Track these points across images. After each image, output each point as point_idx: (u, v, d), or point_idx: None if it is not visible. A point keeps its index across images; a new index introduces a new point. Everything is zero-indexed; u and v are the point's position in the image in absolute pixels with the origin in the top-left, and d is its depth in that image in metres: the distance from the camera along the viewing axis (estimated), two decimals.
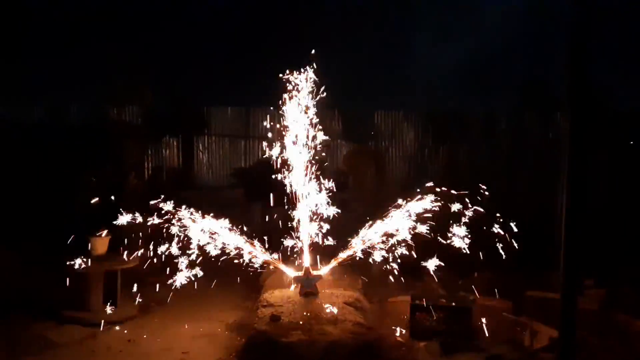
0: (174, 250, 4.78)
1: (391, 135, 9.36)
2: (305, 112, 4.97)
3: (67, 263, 5.15)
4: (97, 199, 5.44)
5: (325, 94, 4.99)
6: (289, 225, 5.04)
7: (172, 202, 4.86)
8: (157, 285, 5.53)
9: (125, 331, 4.96)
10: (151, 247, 4.90)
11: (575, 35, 3.35)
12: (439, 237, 4.75)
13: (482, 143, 8.98)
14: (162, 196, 4.85)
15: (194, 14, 10.88)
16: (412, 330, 4.77)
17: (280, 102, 4.98)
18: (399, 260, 4.85)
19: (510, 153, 8.77)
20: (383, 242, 4.85)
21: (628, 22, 9.34)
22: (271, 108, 4.98)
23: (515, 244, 4.89)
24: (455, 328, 4.69)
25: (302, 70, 4.95)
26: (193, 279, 4.83)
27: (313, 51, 4.89)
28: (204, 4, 11.06)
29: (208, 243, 4.81)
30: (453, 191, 4.79)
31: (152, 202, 4.80)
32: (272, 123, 5.08)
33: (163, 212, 4.81)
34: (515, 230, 4.90)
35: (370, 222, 4.91)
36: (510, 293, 5.61)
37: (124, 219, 4.90)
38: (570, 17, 3.31)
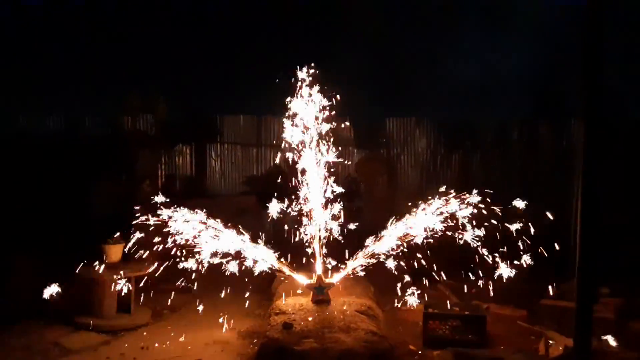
0: (188, 259, 4.82)
1: (403, 142, 9.34)
2: (317, 120, 4.99)
3: (82, 270, 5.22)
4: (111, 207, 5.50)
5: (336, 101, 5.02)
6: (301, 232, 5.04)
7: (184, 209, 4.90)
8: (171, 293, 5.58)
9: (139, 338, 4.99)
10: (165, 254, 4.94)
11: (589, 44, 3.33)
12: (457, 240, 4.73)
13: (495, 151, 8.93)
14: (174, 204, 4.90)
15: (207, 24, 10.99)
16: (425, 338, 4.74)
17: (292, 109, 5.01)
18: (412, 267, 4.84)
19: (523, 162, 8.70)
20: (395, 249, 4.83)
21: None
22: (285, 115, 4.98)
23: (527, 256, 4.85)
24: (468, 337, 4.65)
25: (314, 78, 4.98)
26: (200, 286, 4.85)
27: (325, 65, 4.92)
28: (217, 14, 11.16)
29: (221, 250, 4.83)
30: (467, 195, 4.76)
31: (165, 210, 4.85)
32: (284, 131, 5.10)
33: (175, 220, 4.85)
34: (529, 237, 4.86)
35: (383, 230, 4.90)
36: (525, 301, 5.56)
37: (137, 226, 4.95)
38: (584, 25, 3.30)
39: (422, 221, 4.76)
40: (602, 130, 3.40)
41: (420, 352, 4.60)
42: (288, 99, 4.99)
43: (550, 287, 5.51)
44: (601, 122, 3.48)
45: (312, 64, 5.00)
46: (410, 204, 4.91)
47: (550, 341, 4.56)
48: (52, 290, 5.16)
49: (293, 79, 5.00)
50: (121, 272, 5.27)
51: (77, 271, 5.23)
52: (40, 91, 9.57)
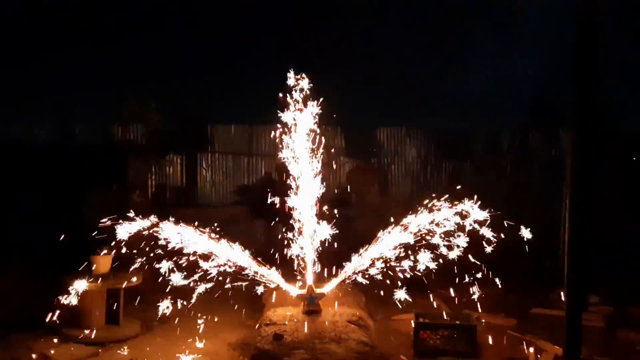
0: (177, 271, 4.78)
1: (394, 152, 9.38)
2: (308, 130, 5.00)
3: (70, 281, 5.16)
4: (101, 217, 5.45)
5: (328, 111, 5.03)
6: (292, 242, 5.03)
7: (174, 220, 4.87)
8: (160, 304, 5.52)
9: (128, 350, 4.93)
10: (154, 265, 4.89)
11: (582, 54, 3.38)
12: (445, 252, 4.73)
13: (486, 161, 8.99)
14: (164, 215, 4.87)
15: (199, 33, 11.02)
16: (416, 348, 4.73)
17: (283, 119, 5.02)
18: (402, 277, 4.83)
19: (514, 170, 8.77)
20: (385, 259, 4.83)
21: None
22: (275, 124, 4.99)
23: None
24: (459, 346, 4.65)
25: (305, 87, 4.99)
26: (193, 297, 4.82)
27: (316, 75, 4.94)
28: (208, 23, 11.20)
29: (212, 260, 4.80)
30: (457, 204, 4.77)
31: (155, 220, 4.81)
32: (275, 140, 5.10)
33: (166, 230, 4.82)
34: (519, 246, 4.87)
35: (374, 239, 4.90)
36: (515, 310, 5.58)
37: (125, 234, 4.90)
38: (576, 36, 3.35)
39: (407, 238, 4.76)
40: (592, 139, 3.44)
41: None
42: (279, 109, 5.00)
43: (541, 296, 5.54)
44: (592, 131, 3.52)
45: (304, 74, 5.01)
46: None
47: (541, 349, 4.58)
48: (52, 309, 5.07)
49: (284, 89, 5.01)
50: (110, 282, 5.22)
51: (65, 282, 5.17)
52: (30, 100, 9.52)
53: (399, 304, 4.95)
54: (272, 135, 5.11)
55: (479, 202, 4.72)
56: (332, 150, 8.39)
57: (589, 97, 3.40)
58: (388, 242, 4.84)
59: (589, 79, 3.38)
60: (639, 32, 8.72)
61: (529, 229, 4.73)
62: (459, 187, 4.82)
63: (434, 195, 4.84)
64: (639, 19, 8.33)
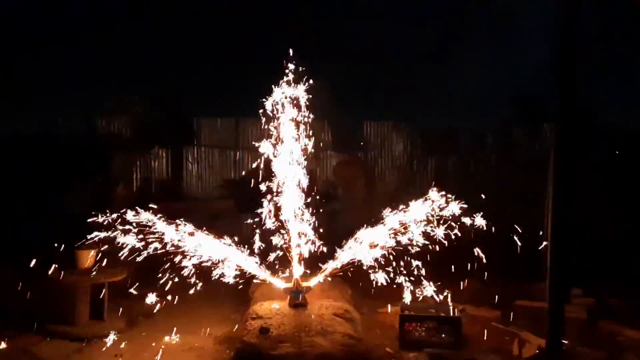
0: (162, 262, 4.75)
1: (380, 146, 9.40)
2: (295, 123, 4.99)
3: (53, 276, 5.10)
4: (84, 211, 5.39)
5: (314, 104, 5.02)
6: (278, 236, 5.03)
7: (160, 213, 4.84)
8: (145, 298, 5.49)
9: (112, 345, 4.89)
10: (139, 258, 4.86)
11: (564, 51, 3.41)
12: (429, 245, 4.77)
13: (471, 155, 9.06)
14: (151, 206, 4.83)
15: (183, 24, 10.90)
16: (401, 341, 4.77)
17: (269, 112, 5.00)
18: (389, 269, 4.86)
19: (498, 165, 8.85)
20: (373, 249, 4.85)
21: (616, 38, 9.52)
22: (261, 118, 4.96)
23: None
24: (444, 339, 4.70)
25: (292, 81, 4.97)
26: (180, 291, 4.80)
27: (302, 68, 4.92)
28: (193, 14, 11.08)
29: (195, 256, 4.78)
30: (442, 196, 4.80)
31: (140, 213, 4.77)
32: (261, 133, 5.08)
33: (152, 223, 4.78)
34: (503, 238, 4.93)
35: (359, 231, 4.92)
36: (499, 303, 5.64)
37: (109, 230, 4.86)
38: (558, 33, 3.38)
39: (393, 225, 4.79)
40: (574, 134, 3.48)
41: (396, 355, 4.63)
42: (265, 103, 4.97)
43: (525, 289, 5.60)
44: (574, 127, 3.56)
45: (290, 67, 4.99)
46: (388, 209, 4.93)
47: (525, 341, 4.64)
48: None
49: (271, 82, 4.99)
50: (94, 277, 5.17)
51: (48, 276, 5.11)
52: (12, 92, 9.35)
53: (384, 297, 4.99)
54: (258, 129, 5.08)
55: (462, 198, 4.76)
56: (320, 143, 8.38)
57: (571, 91, 3.44)
58: (373, 236, 4.86)
59: (571, 73, 3.42)
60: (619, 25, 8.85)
61: (513, 222, 4.78)
62: (435, 187, 4.85)
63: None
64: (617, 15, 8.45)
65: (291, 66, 4.95)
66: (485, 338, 4.92)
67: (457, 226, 4.71)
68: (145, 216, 4.75)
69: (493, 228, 4.81)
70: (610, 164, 7.78)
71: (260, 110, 4.94)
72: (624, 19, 8.61)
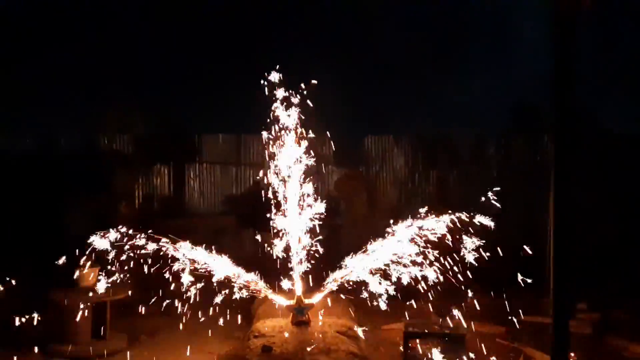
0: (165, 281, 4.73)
1: (382, 160, 9.41)
2: (297, 137, 4.99)
3: (55, 295, 5.08)
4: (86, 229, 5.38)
5: (316, 119, 5.03)
6: (280, 253, 5.00)
7: (161, 233, 4.82)
8: (147, 317, 5.46)
9: None
10: (141, 278, 4.83)
11: (561, 59, 3.42)
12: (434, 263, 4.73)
13: (471, 167, 9.06)
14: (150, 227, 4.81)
15: (185, 42, 11.00)
16: (405, 358, 4.72)
17: (270, 128, 5.01)
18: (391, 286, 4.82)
19: (499, 176, 8.84)
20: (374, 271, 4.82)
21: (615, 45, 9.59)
22: (263, 134, 4.96)
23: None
24: (449, 355, 4.65)
25: (294, 96, 4.99)
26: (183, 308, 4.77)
27: (303, 84, 4.94)
28: (195, 32, 11.18)
29: (197, 271, 4.76)
30: (446, 215, 4.77)
31: (142, 233, 4.76)
32: (263, 149, 5.08)
33: (154, 243, 4.77)
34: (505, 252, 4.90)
35: (363, 248, 4.89)
36: (504, 318, 5.60)
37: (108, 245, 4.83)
38: (556, 41, 3.39)
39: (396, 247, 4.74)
40: (573, 143, 3.46)
41: None
42: (267, 118, 4.99)
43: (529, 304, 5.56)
44: (572, 135, 3.55)
45: (291, 83, 5.01)
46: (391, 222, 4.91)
47: (530, 357, 4.59)
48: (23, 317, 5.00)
49: (272, 97, 5.00)
50: (96, 295, 5.15)
51: (49, 296, 5.09)
52: (13, 110, 9.40)
53: (388, 314, 4.94)
54: (260, 145, 5.08)
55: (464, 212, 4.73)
56: (321, 158, 8.39)
57: (568, 98, 3.43)
58: (376, 253, 4.83)
59: (568, 79, 3.41)
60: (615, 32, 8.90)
61: (517, 235, 4.75)
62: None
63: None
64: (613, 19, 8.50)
65: (286, 80, 4.96)
66: (490, 354, 4.87)
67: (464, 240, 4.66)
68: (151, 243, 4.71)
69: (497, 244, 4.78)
70: (611, 172, 7.77)
71: (263, 133, 4.95)
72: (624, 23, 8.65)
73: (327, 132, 8.99)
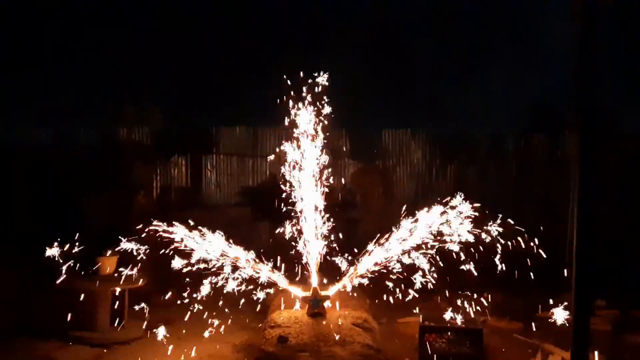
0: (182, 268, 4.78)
1: (398, 154, 9.36)
2: (314, 131, 4.99)
3: (75, 282, 5.16)
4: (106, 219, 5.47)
5: (333, 112, 5.02)
6: (296, 244, 5.02)
7: (179, 222, 4.87)
8: (164, 306, 5.53)
9: (132, 352, 4.93)
10: (159, 266, 4.89)
11: (583, 58, 3.36)
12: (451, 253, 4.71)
13: (490, 163, 8.97)
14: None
15: (203, 35, 11.04)
16: (421, 352, 4.70)
17: (287, 120, 5.01)
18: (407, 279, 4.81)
19: (518, 173, 8.74)
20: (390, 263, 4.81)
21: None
22: (279, 127, 4.98)
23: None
24: (465, 350, 4.62)
25: (310, 89, 4.98)
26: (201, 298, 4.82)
27: (321, 77, 4.92)
28: (213, 26, 11.22)
29: (216, 264, 4.80)
30: (463, 207, 4.74)
31: (160, 223, 4.81)
32: (279, 142, 5.10)
33: (171, 232, 4.82)
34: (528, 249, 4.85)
35: (379, 240, 4.88)
36: (521, 314, 5.55)
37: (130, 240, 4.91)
38: (577, 39, 3.32)
39: (417, 236, 4.73)
40: (596, 142, 3.41)
41: None
42: (284, 111, 4.99)
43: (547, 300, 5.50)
44: (595, 134, 3.49)
45: (309, 75, 5.00)
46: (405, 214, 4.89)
47: (548, 353, 4.55)
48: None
49: (289, 90, 5.00)
50: (115, 284, 5.22)
51: (69, 284, 5.17)
52: (33, 103, 9.55)
53: (404, 307, 4.93)
54: (276, 136, 5.10)
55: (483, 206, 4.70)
56: (338, 151, 8.38)
57: (590, 99, 3.37)
58: (392, 245, 4.82)
59: (590, 81, 3.35)
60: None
61: (534, 232, 4.70)
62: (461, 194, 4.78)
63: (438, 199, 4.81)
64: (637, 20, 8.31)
65: (307, 75, 4.96)
66: (507, 350, 4.84)
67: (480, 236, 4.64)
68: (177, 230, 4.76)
69: (514, 240, 4.74)
70: (632, 171, 7.63)
71: (280, 125, 4.94)
72: None
73: (344, 126, 9.03)
